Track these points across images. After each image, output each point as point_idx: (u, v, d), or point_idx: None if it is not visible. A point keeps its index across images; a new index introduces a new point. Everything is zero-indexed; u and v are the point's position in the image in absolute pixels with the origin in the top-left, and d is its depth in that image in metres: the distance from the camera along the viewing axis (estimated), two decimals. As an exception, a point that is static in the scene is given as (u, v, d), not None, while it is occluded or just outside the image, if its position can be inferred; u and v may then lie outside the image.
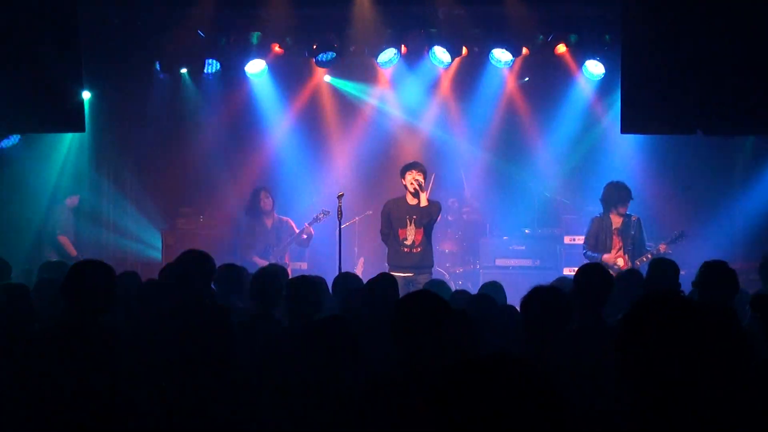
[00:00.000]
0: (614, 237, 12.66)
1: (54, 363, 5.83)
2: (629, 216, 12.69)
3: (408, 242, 11.87)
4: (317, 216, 13.79)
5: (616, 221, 12.70)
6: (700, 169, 15.27)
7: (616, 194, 12.75)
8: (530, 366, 2.58)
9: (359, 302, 7.53)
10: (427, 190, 12.11)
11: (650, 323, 3.29)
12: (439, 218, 12.37)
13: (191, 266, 7.07)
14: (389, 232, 12.07)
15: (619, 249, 12.59)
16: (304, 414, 5.27)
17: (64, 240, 13.81)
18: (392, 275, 8.62)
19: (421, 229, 11.81)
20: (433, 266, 12.21)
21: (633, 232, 12.56)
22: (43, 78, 11.35)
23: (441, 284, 9.54)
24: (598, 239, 12.70)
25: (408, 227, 11.88)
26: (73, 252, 13.63)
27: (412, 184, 11.85)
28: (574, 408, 4.86)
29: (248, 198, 14.25)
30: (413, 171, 11.92)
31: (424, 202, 11.84)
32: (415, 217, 11.87)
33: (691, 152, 14.91)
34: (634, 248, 12.49)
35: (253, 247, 13.75)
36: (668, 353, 3.23)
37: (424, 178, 11.99)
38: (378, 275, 8.15)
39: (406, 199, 12.00)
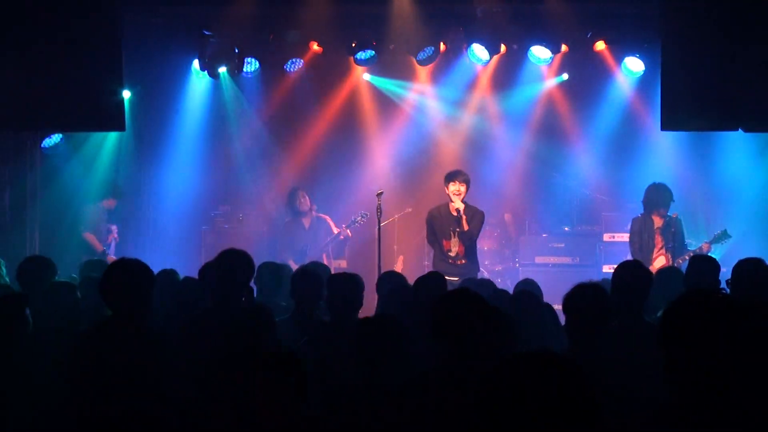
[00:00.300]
0: (656, 236, 12.64)
1: (97, 361, 5.87)
2: (669, 215, 12.64)
3: (452, 254, 11.92)
4: (355, 219, 13.75)
5: (658, 221, 12.68)
6: (741, 165, 15.12)
7: (658, 196, 12.72)
8: (571, 364, 2.58)
9: (404, 301, 7.53)
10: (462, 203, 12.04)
11: (692, 319, 3.28)
12: (482, 228, 12.34)
13: (231, 265, 7.07)
14: (434, 240, 12.15)
15: (661, 248, 12.54)
16: (348, 412, 5.27)
17: (89, 237, 13.90)
18: (441, 274, 8.59)
19: (464, 245, 11.83)
20: (478, 272, 12.32)
21: (673, 230, 12.49)
22: (84, 77, 11.43)
23: (483, 283, 9.46)
24: (642, 238, 12.66)
25: (452, 239, 11.92)
26: (99, 247, 13.74)
27: (455, 195, 11.88)
28: (616, 405, 4.85)
29: (286, 198, 14.27)
30: (456, 182, 11.93)
31: (465, 227, 11.87)
32: (458, 230, 11.89)
33: (732, 148, 14.80)
34: (674, 246, 12.40)
35: (291, 247, 13.74)
36: (710, 349, 3.22)
37: (467, 189, 11.97)
38: (427, 274, 8.19)
39: (449, 209, 12.00)
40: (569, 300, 5.90)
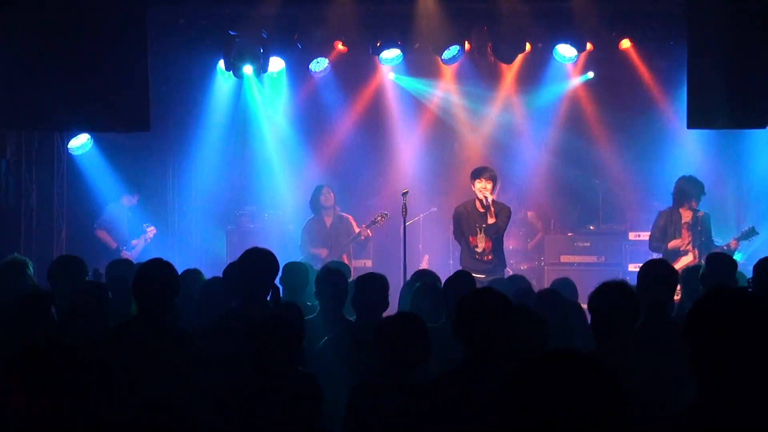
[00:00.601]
0: (683, 230, 12.50)
1: (125, 359, 5.92)
2: (697, 211, 12.55)
3: (479, 250, 11.91)
4: (376, 218, 13.68)
5: (686, 215, 12.54)
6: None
7: (690, 188, 12.60)
8: (597, 364, 2.56)
9: (434, 299, 7.52)
10: (494, 194, 12.09)
11: (716, 317, 3.27)
12: (508, 223, 12.31)
13: (254, 264, 7.09)
14: (461, 237, 12.14)
15: (689, 243, 12.45)
16: (372, 410, 5.28)
17: (101, 234, 13.99)
18: (469, 273, 8.55)
19: (490, 241, 11.84)
20: (505, 268, 12.32)
21: (700, 228, 12.42)
22: (110, 77, 11.52)
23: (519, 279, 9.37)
24: (667, 232, 12.54)
25: (478, 235, 11.92)
26: (112, 244, 13.84)
27: (482, 192, 11.84)
28: (643, 405, 4.84)
29: (311, 194, 14.25)
30: (482, 179, 11.89)
31: (491, 220, 11.87)
32: (484, 225, 11.90)
33: (759, 146, 14.72)
34: (702, 243, 12.32)
35: (311, 243, 13.70)
36: (735, 346, 3.21)
37: (494, 186, 11.99)
38: (455, 273, 8.19)
39: (475, 206, 12.00)
40: (594, 299, 5.86)
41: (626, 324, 5.78)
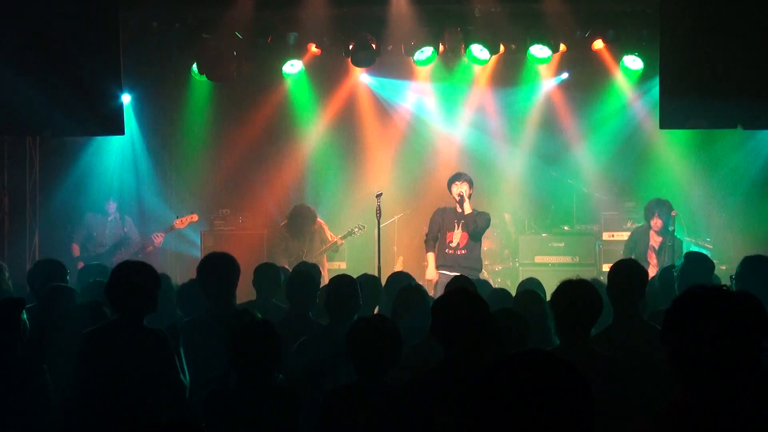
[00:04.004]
0: (651, 253, 12.79)
1: (101, 363, 5.91)
2: (667, 236, 12.71)
3: (453, 244, 12.26)
4: (353, 230, 13.70)
5: (655, 240, 12.82)
6: (741, 164, 15.13)
7: (654, 208, 12.84)
8: (563, 363, 2.56)
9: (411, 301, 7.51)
10: (471, 199, 12.36)
11: (694, 316, 3.28)
12: (488, 228, 12.63)
13: (213, 269, 7.17)
14: (436, 236, 12.43)
15: (655, 267, 12.59)
16: (347, 411, 5.28)
17: (75, 246, 13.98)
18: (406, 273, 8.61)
19: (467, 234, 12.09)
20: (480, 270, 12.51)
21: (666, 254, 12.56)
22: (83, 81, 11.47)
23: (482, 283, 9.43)
24: (636, 249, 12.97)
25: (455, 230, 12.29)
26: (75, 253, 13.81)
27: (458, 194, 12.26)
28: (615, 404, 4.86)
29: (291, 213, 14.01)
30: (457, 182, 12.33)
31: (468, 210, 12.22)
32: (462, 221, 12.23)
33: (732, 146, 14.81)
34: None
35: (285, 252, 13.60)
36: (713, 345, 3.22)
37: (470, 188, 12.32)
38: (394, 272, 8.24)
39: (455, 209, 12.39)
40: (556, 297, 5.85)
41: (588, 321, 5.78)
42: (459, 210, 12.28)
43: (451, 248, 12.24)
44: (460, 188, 12.24)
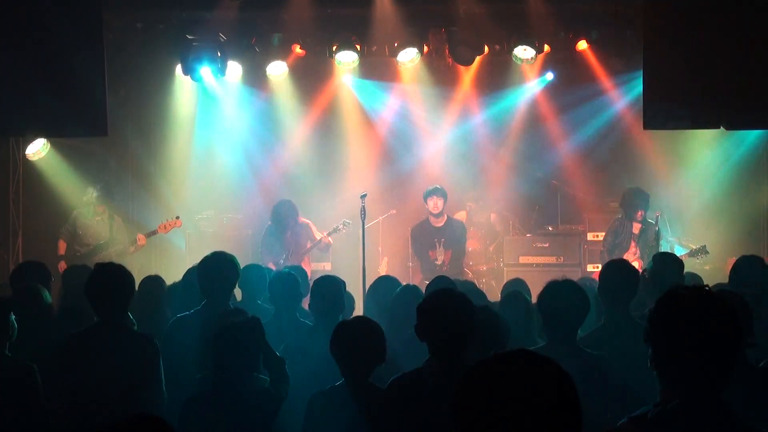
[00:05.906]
0: (632, 242, 12.80)
1: (87, 364, 5.92)
2: (649, 222, 12.73)
3: (438, 262, 13.05)
4: (338, 227, 13.63)
5: (636, 227, 12.84)
6: (725, 163, 15.18)
7: (635, 200, 12.86)
8: (549, 362, 2.56)
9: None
10: (444, 210, 13.28)
11: (676, 316, 3.30)
12: (466, 239, 13.45)
13: (216, 268, 7.12)
14: (420, 251, 13.28)
15: (635, 254, 12.62)
16: (333, 412, 5.29)
17: (61, 243, 13.90)
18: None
19: (450, 251, 12.61)
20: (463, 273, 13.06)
21: (657, 227, 12.52)
22: (67, 82, 11.41)
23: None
24: (615, 239, 12.89)
25: (437, 249, 13.07)
26: (60, 251, 13.75)
27: (433, 208, 13.20)
28: (604, 403, 4.87)
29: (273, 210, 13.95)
30: (433, 197, 13.18)
31: (442, 222, 13.12)
32: (443, 239, 13.00)
33: (715, 146, 14.87)
34: (651, 252, 12.41)
35: (271, 252, 13.57)
36: (696, 345, 3.24)
37: (445, 202, 13.22)
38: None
39: (429, 222, 13.15)
40: (543, 298, 5.87)
41: (575, 321, 5.80)
42: (435, 224, 13.16)
43: (436, 265, 12.94)
44: (437, 202, 13.10)
